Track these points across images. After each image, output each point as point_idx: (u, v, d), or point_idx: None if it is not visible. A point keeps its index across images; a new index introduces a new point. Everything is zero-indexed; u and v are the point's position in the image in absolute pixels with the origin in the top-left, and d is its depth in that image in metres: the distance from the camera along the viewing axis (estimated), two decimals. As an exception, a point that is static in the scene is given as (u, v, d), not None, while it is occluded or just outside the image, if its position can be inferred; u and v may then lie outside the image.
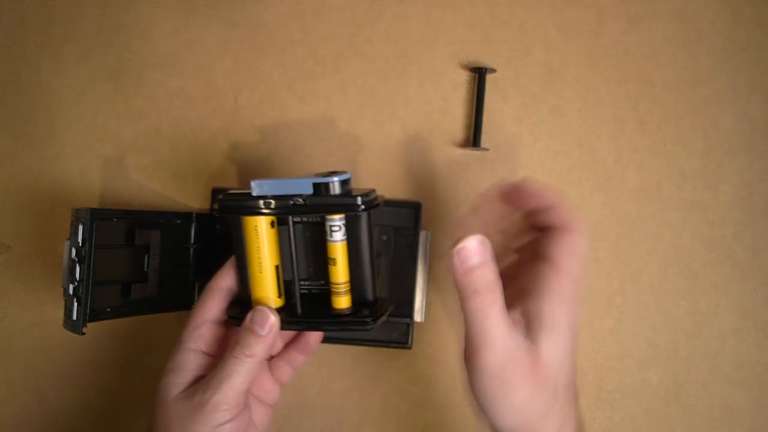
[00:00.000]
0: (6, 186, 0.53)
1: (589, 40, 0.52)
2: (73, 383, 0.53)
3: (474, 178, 0.52)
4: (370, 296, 0.42)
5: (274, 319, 0.41)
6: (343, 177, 0.40)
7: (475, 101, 0.52)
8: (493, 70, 0.52)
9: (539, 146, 0.52)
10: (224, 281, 0.43)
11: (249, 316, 0.41)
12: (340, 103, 0.53)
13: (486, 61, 0.52)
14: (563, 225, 0.38)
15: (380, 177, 0.52)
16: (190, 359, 0.42)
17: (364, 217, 0.40)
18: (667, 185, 0.52)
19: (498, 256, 0.37)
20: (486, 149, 0.52)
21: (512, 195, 0.40)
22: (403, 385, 0.52)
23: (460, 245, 0.36)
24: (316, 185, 0.39)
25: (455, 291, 0.37)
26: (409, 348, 0.51)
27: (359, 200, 0.39)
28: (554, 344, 0.36)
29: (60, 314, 0.53)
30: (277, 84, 0.53)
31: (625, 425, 0.52)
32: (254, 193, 0.41)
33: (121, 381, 0.53)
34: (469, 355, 0.36)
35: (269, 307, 0.41)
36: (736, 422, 0.51)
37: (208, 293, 0.43)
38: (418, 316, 0.50)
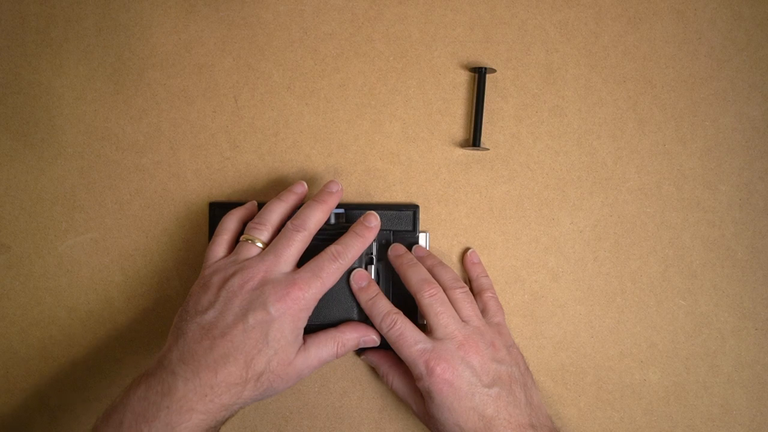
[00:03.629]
0: (6, 186, 0.53)
1: (588, 40, 0.52)
2: (73, 383, 0.53)
3: (474, 178, 0.52)
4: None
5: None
6: (338, 211, 0.50)
7: (475, 101, 0.52)
8: (493, 70, 0.52)
9: (539, 146, 0.52)
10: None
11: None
12: (340, 103, 0.53)
13: (486, 61, 0.52)
14: None
15: (380, 177, 0.52)
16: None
17: None
18: (667, 185, 0.52)
19: None
20: (486, 149, 0.52)
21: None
22: (403, 385, 0.52)
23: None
24: None
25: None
26: None
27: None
28: (435, 409, 0.45)
29: (60, 314, 0.53)
30: (277, 84, 0.53)
31: (625, 425, 0.52)
32: None
33: (121, 381, 0.53)
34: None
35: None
36: (736, 422, 0.51)
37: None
38: (421, 319, 0.50)
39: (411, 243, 0.51)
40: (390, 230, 0.51)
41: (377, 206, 0.51)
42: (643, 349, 0.52)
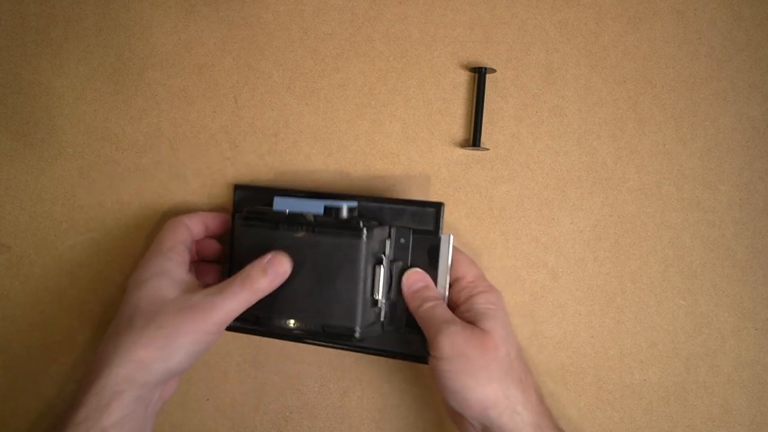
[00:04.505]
0: (6, 186, 0.53)
1: (588, 40, 0.52)
2: (73, 383, 0.53)
3: (474, 178, 0.52)
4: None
5: (286, 269, 0.44)
6: (351, 204, 0.47)
7: (475, 101, 0.52)
8: (493, 70, 0.52)
9: (539, 146, 0.52)
10: (191, 221, 0.49)
11: (268, 256, 0.44)
12: (340, 103, 0.53)
13: (486, 61, 0.52)
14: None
15: (380, 177, 0.52)
16: (174, 269, 0.45)
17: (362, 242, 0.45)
18: (667, 185, 0.52)
19: None
20: (486, 149, 0.52)
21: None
22: (403, 385, 0.52)
23: (407, 274, 0.47)
24: (326, 207, 0.46)
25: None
26: (427, 363, 0.47)
27: (361, 223, 0.45)
28: (495, 322, 0.44)
29: (60, 314, 0.53)
30: (277, 84, 0.53)
31: (625, 425, 0.52)
32: (275, 208, 0.47)
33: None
34: (433, 350, 0.43)
35: (287, 256, 0.45)
36: (736, 422, 0.51)
37: (179, 223, 0.48)
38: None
39: (433, 245, 0.47)
40: (409, 228, 0.48)
41: (395, 201, 0.48)
42: (643, 349, 0.52)
